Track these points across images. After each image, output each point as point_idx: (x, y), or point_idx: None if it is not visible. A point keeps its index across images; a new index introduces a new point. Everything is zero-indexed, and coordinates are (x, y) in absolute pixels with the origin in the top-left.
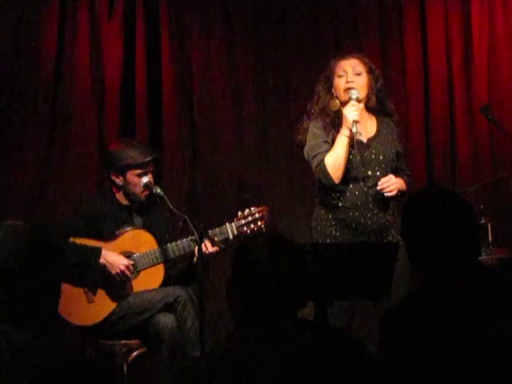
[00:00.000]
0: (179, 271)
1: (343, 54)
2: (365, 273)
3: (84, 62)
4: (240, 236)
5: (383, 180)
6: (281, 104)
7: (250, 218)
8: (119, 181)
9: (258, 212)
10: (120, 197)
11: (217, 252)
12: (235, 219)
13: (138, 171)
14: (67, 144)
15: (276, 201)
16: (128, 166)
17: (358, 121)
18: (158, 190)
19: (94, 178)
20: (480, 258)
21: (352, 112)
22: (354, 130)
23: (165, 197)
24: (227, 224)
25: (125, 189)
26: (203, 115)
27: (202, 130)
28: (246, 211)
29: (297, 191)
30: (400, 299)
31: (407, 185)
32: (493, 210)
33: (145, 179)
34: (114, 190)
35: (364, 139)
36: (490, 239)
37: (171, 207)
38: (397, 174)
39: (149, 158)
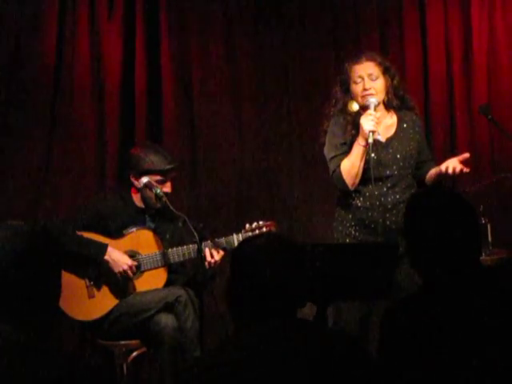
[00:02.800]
0: (186, 280)
1: (357, 56)
2: (365, 273)
3: (84, 62)
4: None
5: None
6: (281, 104)
7: (257, 232)
8: (137, 183)
9: (266, 226)
10: (136, 199)
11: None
12: (242, 230)
13: (157, 177)
14: (67, 144)
15: (275, 203)
16: (147, 170)
17: (375, 130)
18: (158, 191)
19: (93, 178)
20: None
21: (368, 122)
22: (370, 140)
23: (165, 197)
24: (234, 235)
25: (142, 192)
26: (203, 115)
27: (202, 130)
28: (254, 224)
29: (296, 192)
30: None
31: None
32: (493, 210)
33: (144, 179)
34: (132, 191)
35: (383, 139)
36: (490, 239)
37: (171, 207)
38: (422, 166)
39: (170, 166)
